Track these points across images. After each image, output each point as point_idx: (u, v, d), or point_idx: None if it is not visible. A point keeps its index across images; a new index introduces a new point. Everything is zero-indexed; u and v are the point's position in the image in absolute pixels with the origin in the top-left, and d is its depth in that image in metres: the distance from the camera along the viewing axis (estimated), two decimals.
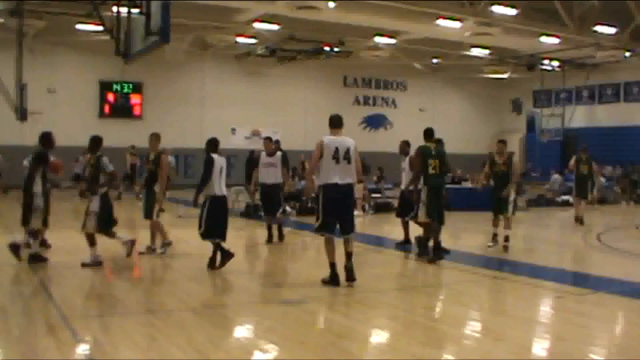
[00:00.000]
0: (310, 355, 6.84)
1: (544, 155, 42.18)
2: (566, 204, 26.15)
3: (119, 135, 32.58)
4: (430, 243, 12.67)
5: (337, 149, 10.16)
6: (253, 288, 10.59)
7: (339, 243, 10.29)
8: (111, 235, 12.03)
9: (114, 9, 14.64)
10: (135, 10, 12.78)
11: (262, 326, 8.19)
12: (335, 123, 10.49)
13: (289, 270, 12.59)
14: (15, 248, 11.82)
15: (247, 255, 14.02)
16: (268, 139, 15.20)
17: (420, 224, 13.26)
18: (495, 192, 14.43)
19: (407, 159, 14.33)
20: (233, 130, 37.13)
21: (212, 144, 11.88)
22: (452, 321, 8.55)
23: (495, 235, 14.39)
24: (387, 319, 8.69)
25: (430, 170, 12.61)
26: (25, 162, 13.07)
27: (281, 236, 14.92)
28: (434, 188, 12.60)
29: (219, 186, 11.52)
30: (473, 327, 8.42)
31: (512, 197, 14.31)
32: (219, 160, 11.66)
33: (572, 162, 20.50)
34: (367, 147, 33.57)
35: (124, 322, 8.14)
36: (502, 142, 14.88)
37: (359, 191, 22.40)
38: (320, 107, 39.97)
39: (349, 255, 10.25)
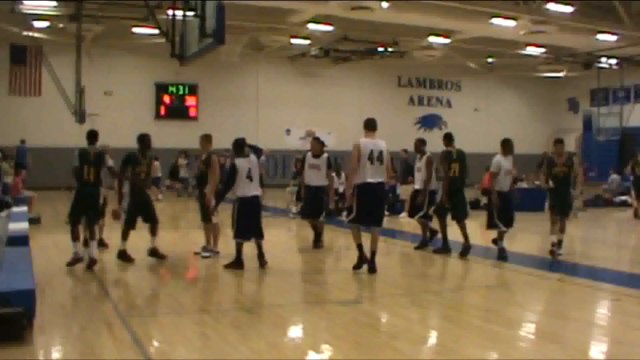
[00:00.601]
0: (364, 356, 6.84)
1: (601, 155, 41.40)
2: (624, 204, 25.70)
3: (175, 136, 33.02)
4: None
5: (371, 151, 10.99)
6: (306, 288, 10.61)
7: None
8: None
9: (170, 12, 14.81)
10: (190, 13, 12.91)
11: (316, 326, 8.22)
12: (370, 126, 11.29)
13: (341, 271, 12.57)
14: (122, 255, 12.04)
15: (300, 255, 14.04)
16: (316, 139, 14.67)
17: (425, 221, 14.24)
18: (556, 195, 13.32)
19: (425, 158, 13.94)
20: (288, 131, 37.26)
21: (237, 147, 11.85)
22: (507, 322, 8.46)
23: (560, 242, 13.19)
24: (442, 319, 8.65)
25: (451, 173, 13.46)
26: (111, 162, 13.12)
27: (318, 242, 14.18)
28: (454, 190, 13.51)
29: (247, 188, 11.56)
30: (528, 329, 8.33)
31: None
32: (244, 164, 11.58)
33: (628, 167, 20.19)
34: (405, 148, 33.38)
35: (179, 321, 8.23)
36: (560, 142, 13.71)
37: (406, 192, 22.34)
38: (375, 107, 39.86)
39: (373, 251, 11.23)
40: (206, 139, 13.19)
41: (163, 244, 12.42)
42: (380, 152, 11.06)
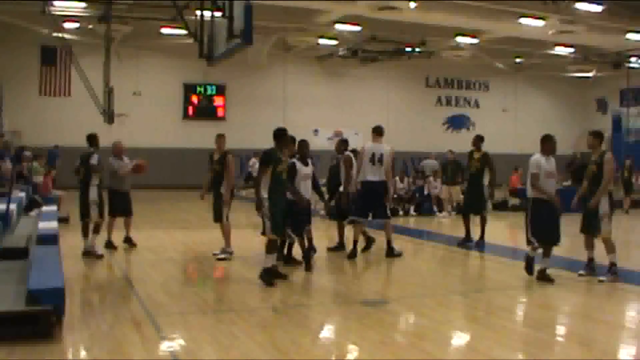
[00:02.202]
0: (390, 356, 6.84)
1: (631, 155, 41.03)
2: None
3: (203, 136, 33.10)
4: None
5: (373, 153, 12.81)
6: (333, 288, 10.62)
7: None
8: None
9: (198, 12, 14.87)
10: (218, 14, 12.95)
11: (342, 326, 8.23)
12: (377, 131, 13.16)
13: (369, 271, 12.58)
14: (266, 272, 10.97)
15: (327, 255, 14.04)
16: (340, 140, 14.32)
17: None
18: (586, 200, 11.30)
19: (343, 158, 13.46)
20: (315, 131, 37.26)
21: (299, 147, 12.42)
22: (534, 324, 8.43)
23: (590, 261, 11.35)
24: (468, 320, 8.63)
25: (472, 170, 14.87)
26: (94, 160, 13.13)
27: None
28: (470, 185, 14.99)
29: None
30: (556, 331, 8.29)
31: (603, 209, 10.93)
32: (300, 166, 11.91)
33: None
34: (450, 148, 33.26)
35: (206, 320, 8.28)
36: (593, 135, 11.56)
37: (444, 192, 22.32)
38: (403, 107, 39.89)
39: (389, 240, 13.08)
40: (221, 138, 13.22)
41: (197, 243, 12.46)
42: (381, 155, 12.82)
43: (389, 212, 13.29)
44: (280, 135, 10.78)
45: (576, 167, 26.92)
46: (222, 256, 12.59)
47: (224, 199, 12.70)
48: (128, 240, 13.95)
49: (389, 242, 13.12)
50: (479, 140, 15.22)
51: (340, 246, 13.86)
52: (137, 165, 13.90)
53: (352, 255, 12.93)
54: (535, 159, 11.03)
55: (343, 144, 13.85)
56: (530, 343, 7.51)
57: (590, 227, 11.12)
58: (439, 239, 16.29)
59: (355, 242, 13.00)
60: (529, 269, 10.87)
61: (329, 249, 13.71)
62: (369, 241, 13.69)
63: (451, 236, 16.26)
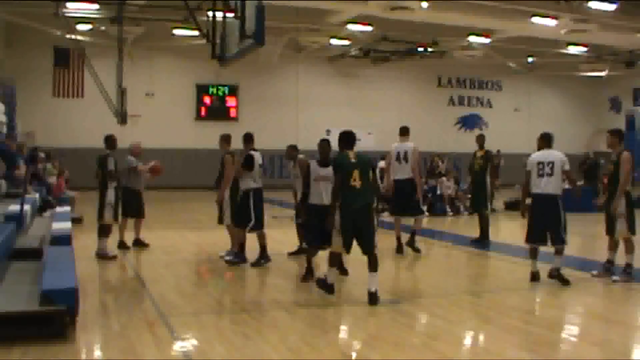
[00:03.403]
0: (403, 356, 6.84)
1: None
2: None
3: (215, 137, 33.06)
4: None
5: (399, 152, 13.44)
6: (346, 288, 10.60)
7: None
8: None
9: (210, 13, 14.90)
10: (230, 15, 12.98)
11: (355, 326, 8.24)
12: (402, 132, 13.87)
13: (381, 271, 12.54)
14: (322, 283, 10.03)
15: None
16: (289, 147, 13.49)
17: None
18: (607, 201, 11.17)
19: (297, 163, 12.70)
20: (328, 131, 37.19)
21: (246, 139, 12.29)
22: (547, 324, 8.40)
23: (608, 262, 11.15)
24: (481, 321, 8.60)
25: (476, 168, 15.35)
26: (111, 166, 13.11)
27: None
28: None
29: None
30: (569, 331, 8.27)
31: (620, 209, 10.81)
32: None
33: None
34: (463, 148, 33.20)
35: (219, 321, 8.30)
36: (611, 133, 11.40)
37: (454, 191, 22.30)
38: (415, 107, 39.79)
39: (413, 232, 13.60)
40: (223, 139, 13.18)
41: (210, 243, 12.47)
42: (406, 152, 13.39)
43: (422, 207, 14.33)
44: (347, 137, 9.72)
45: (588, 166, 26.79)
46: (228, 258, 12.27)
47: (218, 199, 12.66)
48: (138, 243, 13.98)
49: (413, 233, 13.64)
50: (481, 139, 15.49)
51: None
52: (154, 167, 13.97)
53: (399, 250, 13.53)
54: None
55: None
56: (543, 343, 7.49)
57: (612, 229, 10.99)
58: (451, 239, 16.25)
59: (398, 238, 13.56)
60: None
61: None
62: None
63: (464, 236, 16.24)
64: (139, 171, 13.82)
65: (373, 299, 9.00)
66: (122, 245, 13.59)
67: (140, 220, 14.08)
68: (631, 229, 10.91)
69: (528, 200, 10.86)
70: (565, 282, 10.48)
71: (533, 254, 10.74)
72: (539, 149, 10.96)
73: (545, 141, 10.97)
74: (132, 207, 13.75)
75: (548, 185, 10.52)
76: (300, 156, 12.60)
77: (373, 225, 9.55)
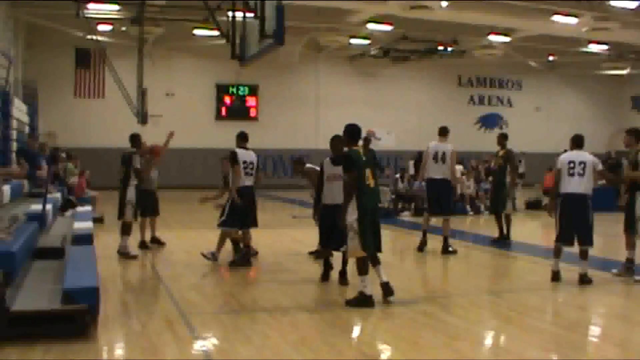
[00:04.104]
0: (423, 356, 6.83)
1: None
2: None
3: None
4: None
5: (437, 152, 13.47)
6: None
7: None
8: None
9: (230, 13, 14.93)
10: (250, 15, 13.00)
11: (375, 326, 8.24)
12: (442, 132, 13.97)
13: (400, 270, 12.54)
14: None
15: None
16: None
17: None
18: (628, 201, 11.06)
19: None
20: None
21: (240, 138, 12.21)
22: (568, 325, 8.36)
23: (628, 261, 11.10)
24: (501, 321, 8.57)
25: (496, 167, 15.60)
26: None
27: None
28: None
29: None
30: (591, 332, 8.22)
31: (638, 210, 10.75)
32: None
33: None
34: (483, 147, 33.11)
35: (239, 320, 8.31)
36: (628, 133, 11.25)
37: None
38: (435, 107, 39.65)
39: (445, 238, 13.48)
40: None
41: (229, 243, 12.47)
42: (444, 153, 13.44)
43: (451, 208, 14.35)
44: (353, 131, 9.32)
45: (610, 166, 26.60)
46: (205, 253, 12.16)
47: (211, 197, 12.74)
48: (156, 240, 14.08)
49: (445, 239, 13.54)
50: (503, 138, 15.42)
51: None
52: (154, 148, 13.99)
53: (445, 250, 13.57)
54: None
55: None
56: (564, 344, 7.45)
57: (631, 228, 10.91)
58: (471, 239, 16.21)
59: (445, 238, 13.58)
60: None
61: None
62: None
63: (484, 236, 16.19)
64: (143, 167, 13.58)
65: (387, 289, 8.96)
66: (143, 245, 13.67)
67: (155, 218, 14.17)
68: None
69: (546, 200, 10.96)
70: (589, 282, 10.41)
71: (557, 254, 10.68)
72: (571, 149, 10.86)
73: (576, 143, 10.88)
74: (147, 206, 13.81)
75: (580, 185, 10.46)
76: (308, 165, 12.36)
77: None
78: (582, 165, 10.48)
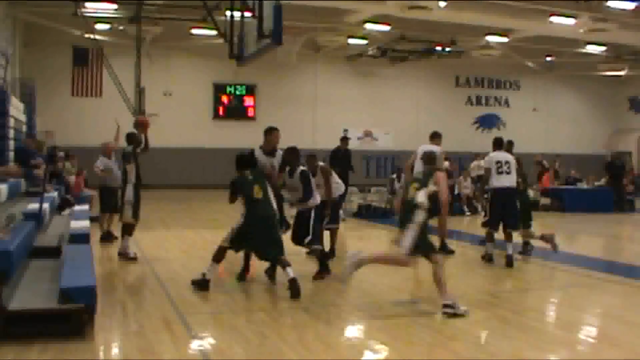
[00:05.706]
0: (419, 356, 6.83)
1: None
2: None
3: (233, 136, 33.27)
4: None
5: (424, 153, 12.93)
6: (364, 288, 10.59)
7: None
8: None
9: (228, 13, 14.92)
10: (248, 14, 13.00)
11: (372, 326, 8.22)
12: (432, 137, 13.83)
13: (398, 271, 12.52)
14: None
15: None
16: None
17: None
18: None
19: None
20: (346, 131, 37.23)
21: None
22: (565, 325, 8.37)
23: None
24: (499, 321, 8.56)
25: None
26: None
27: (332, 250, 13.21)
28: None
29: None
30: (588, 332, 8.22)
31: None
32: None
33: None
34: (481, 148, 33.06)
35: (236, 320, 8.30)
36: None
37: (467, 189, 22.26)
38: (432, 107, 39.71)
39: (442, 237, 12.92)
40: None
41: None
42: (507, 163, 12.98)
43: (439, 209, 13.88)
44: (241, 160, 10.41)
45: (611, 165, 26.59)
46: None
47: None
48: (109, 234, 14.61)
49: (442, 239, 13.33)
50: (510, 146, 14.77)
51: (330, 252, 12.94)
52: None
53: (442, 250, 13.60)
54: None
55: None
56: (561, 344, 7.46)
57: None
58: (468, 239, 16.21)
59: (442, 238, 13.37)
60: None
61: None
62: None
63: (481, 236, 16.18)
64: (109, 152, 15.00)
65: (294, 287, 9.47)
66: (107, 236, 14.34)
67: (113, 215, 14.52)
68: None
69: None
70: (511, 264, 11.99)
71: (491, 238, 12.79)
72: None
73: (497, 145, 12.82)
74: (108, 203, 14.54)
75: (508, 181, 12.39)
76: (321, 163, 12.48)
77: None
78: (508, 165, 12.40)
